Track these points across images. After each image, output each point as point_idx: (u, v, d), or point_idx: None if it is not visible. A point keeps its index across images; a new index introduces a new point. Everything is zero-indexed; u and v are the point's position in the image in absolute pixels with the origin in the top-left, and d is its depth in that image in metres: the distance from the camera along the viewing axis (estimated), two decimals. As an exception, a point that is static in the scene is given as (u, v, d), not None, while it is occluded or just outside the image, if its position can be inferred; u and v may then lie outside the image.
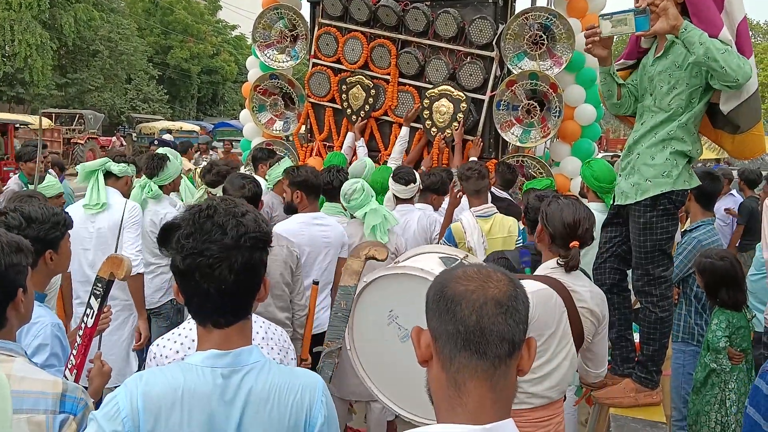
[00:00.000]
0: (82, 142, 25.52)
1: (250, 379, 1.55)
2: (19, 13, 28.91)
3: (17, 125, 19.81)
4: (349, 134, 6.66)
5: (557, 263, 2.63)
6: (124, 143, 28.75)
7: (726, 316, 3.65)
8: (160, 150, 4.76)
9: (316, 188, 4.09)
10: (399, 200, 4.76)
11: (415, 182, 4.69)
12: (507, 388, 1.23)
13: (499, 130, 6.12)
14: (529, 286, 2.47)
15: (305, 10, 7.19)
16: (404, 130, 6.40)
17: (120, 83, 37.06)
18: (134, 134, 32.33)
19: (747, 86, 2.78)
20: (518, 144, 6.15)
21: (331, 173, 4.50)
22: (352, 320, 2.80)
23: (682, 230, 4.38)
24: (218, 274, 1.52)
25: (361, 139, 6.55)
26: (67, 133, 25.64)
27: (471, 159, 5.81)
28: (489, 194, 4.77)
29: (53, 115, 27.33)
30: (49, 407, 1.74)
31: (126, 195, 4.35)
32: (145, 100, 38.76)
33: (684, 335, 4.02)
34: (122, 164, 4.31)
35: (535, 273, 2.78)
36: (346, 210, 4.40)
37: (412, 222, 4.66)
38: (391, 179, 4.76)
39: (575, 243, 2.60)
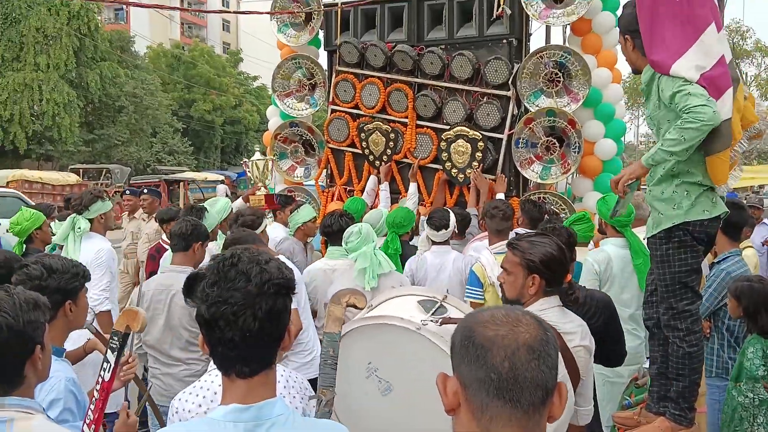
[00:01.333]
0: (110, 195, 25.98)
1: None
2: (46, 73, 29.80)
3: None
4: (372, 178, 6.71)
5: (556, 302, 2.63)
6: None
7: (762, 344, 3.55)
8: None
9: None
10: (434, 242, 4.80)
11: (448, 227, 4.71)
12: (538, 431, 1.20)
13: (519, 168, 6.13)
14: None
15: (323, 59, 7.33)
16: (412, 187, 6.45)
17: (145, 137, 37.80)
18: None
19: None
20: (539, 181, 6.15)
21: (333, 217, 4.59)
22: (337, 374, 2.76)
23: (710, 263, 4.30)
24: (242, 322, 1.53)
25: (386, 183, 6.58)
26: (95, 188, 26.13)
27: (498, 197, 5.81)
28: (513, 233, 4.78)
29: (81, 170, 27.91)
30: None
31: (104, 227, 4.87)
32: (171, 153, 39.44)
33: (718, 370, 3.92)
34: (93, 204, 4.70)
35: None
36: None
37: (447, 264, 4.69)
38: (425, 223, 4.82)
39: (568, 276, 2.61)
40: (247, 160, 7.04)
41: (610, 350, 3.27)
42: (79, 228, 4.61)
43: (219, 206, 5.12)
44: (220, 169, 43.14)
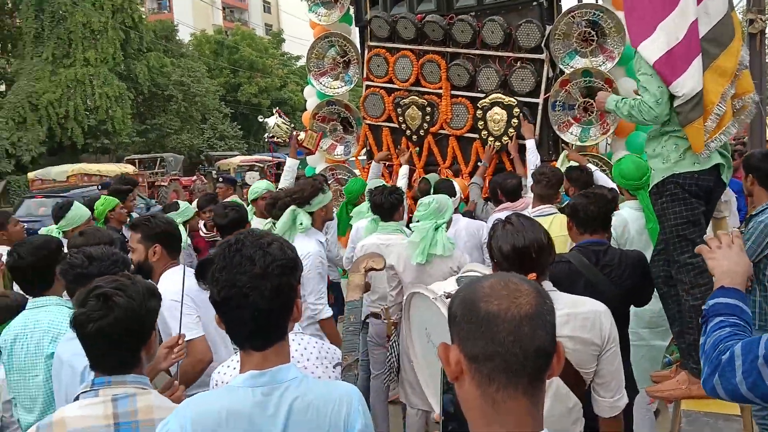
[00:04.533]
0: (166, 184, 26.64)
1: (289, 393, 1.67)
2: (96, 67, 30.58)
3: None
4: (374, 165, 6.85)
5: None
6: (205, 181, 29.82)
7: None
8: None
9: (179, 240, 3.55)
10: None
11: (455, 195, 4.75)
12: (541, 398, 1.24)
13: (557, 131, 6.05)
14: None
15: (354, 36, 7.34)
16: (404, 168, 6.51)
17: (196, 124, 38.53)
18: (214, 172, 33.49)
19: (677, 90, 2.94)
20: (579, 143, 6.05)
21: (383, 195, 4.64)
22: (410, 334, 2.82)
23: (747, 216, 4.20)
24: (251, 302, 1.66)
25: (406, 166, 6.58)
26: (150, 177, 26.82)
27: (528, 144, 5.91)
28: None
29: (136, 161, 28.70)
30: None
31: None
32: (221, 138, 40.13)
33: (761, 323, 3.84)
34: (315, 197, 4.40)
35: None
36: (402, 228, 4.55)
37: (460, 230, 4.83)
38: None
39: (532, 275, 2.34)
40: (267, 134, 7.23)
41: (641, 298, 3.37)
42: (301, 224, 4.27)
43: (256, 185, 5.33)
44: (270, 151, 43.70)
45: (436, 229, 4.21)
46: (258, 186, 5.87)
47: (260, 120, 7.61)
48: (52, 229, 5.40)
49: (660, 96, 2.94)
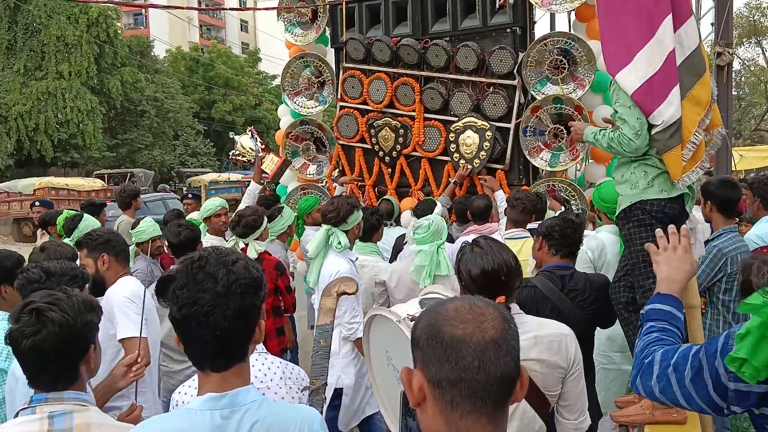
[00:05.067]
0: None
1: (249, 417, 1.61)
2: (69, 81, 30.27)
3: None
4: (337, 187, 6.98)
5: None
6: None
7: None
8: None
9: (124, 248, 3.50)
10: None
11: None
12: (505, 423, 1.22)
13: (527, 156, 6.12)
14: None
15: (330, 57, 7.37)
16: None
17: (168, 140, 38.24)
18: (185, 188, 33.25)
19: (656, 118, 2.96)
20: (548, 168, 6.14)
21: (365, 215, 4.64)
22: (369, 356, 2.79)
23: (705, 240, 4.30)
24: (212, 322, 1.60)
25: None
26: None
27: (497, 195, 5.88)
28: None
29: (105, 175, 28.37)
30: None
31: None
32: (194, 155, 39.86)
33: None
34: (351, 215, 4.33)
35: None
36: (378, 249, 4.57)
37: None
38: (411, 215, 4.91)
39: (501, 299, 2.32)
40: (232, 151, 7.20)
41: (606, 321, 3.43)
42: (339, 243, 4.19)
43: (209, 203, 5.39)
44: (243, 169, 43.55)
45: (437, 250, 4.25)
46: (212, 203, 5.67)
47: (230, 135, 7.61)
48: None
49: (639, 128, 2.95)
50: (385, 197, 6.43)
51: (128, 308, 3.11)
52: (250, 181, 6.61)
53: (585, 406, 2.50)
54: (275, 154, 7.16)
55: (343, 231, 4.24)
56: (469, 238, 4.31)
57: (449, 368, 1.16)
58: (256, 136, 7.21)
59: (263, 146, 7.08)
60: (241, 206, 5.64)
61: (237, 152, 6.90)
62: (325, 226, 4.25)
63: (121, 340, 3.10)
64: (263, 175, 6.82)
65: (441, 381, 1.18)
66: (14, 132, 29.03)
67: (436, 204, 5.65)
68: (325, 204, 4.70)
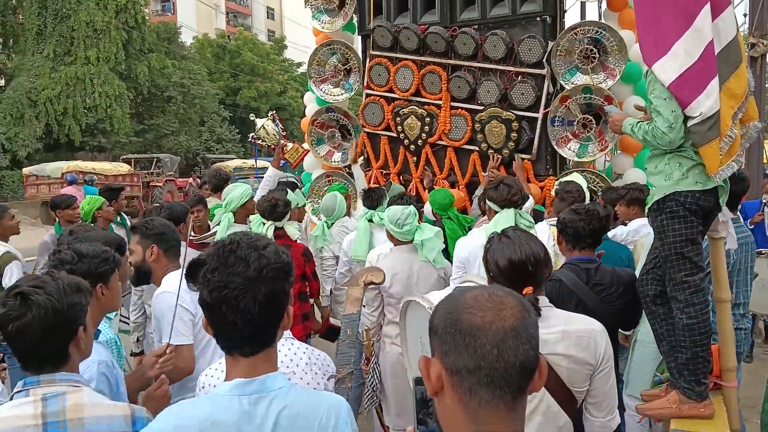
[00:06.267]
0: (161, 184, 26.59)
1: (277, 403, 1.61)
2: (97, 66, 30.51)
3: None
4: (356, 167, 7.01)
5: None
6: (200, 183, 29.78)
7: None
8: None
9: (176, 244, 3.47)
10: None
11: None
12: (523, 412, 1.22)
13: (555, 147, 6.05)
14: None
15: (357, 44, 7.34)
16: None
17: (194, 126, 38.47)
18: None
19: (694, 110, 2.87)
20: (576, 159, 6.07)
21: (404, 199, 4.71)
22: (405, 342, 2.78)
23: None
24: (243, 306, 1.60)
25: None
26: (146, 177, 26.74)
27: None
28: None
29: (132, 160, 28.64)
30: (123, 428, 1.91)
31: None
32: (219, 141, 40.09)
33: None
34: None
35: None
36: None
37: None
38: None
39: (528, 289, 2.28)
40: (252, 134, 7.13)
41: (631, 321, 3.42)
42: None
43: (237, 192, 5.28)
44: (267, 155, 43.73)
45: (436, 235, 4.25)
46: (239, 192, 5.42)
47: (251, 118, 7.56)
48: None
49: (674, 121, 2.89)
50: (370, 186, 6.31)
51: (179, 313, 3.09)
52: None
53: (615, 404, 2.45)
54: (299, 144, 7.15)
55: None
56: (485, 227, 4.29)
57: (468, 356, 1.16)
58: (277, 120, 7.14)
59: (284, 132, 7.02)
60: (259, 192, 5.62)
61: (257, 136, 6.81)
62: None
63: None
64: (289, 162, 6.83)
65: (460, 369, 1.17)
66: (43, 116, 29.35)
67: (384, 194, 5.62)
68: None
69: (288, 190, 5.73)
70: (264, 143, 6.94)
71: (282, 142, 6.80)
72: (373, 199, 5.24)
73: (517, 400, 1.18)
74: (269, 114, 7.14)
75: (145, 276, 3.36)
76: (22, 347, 1.92)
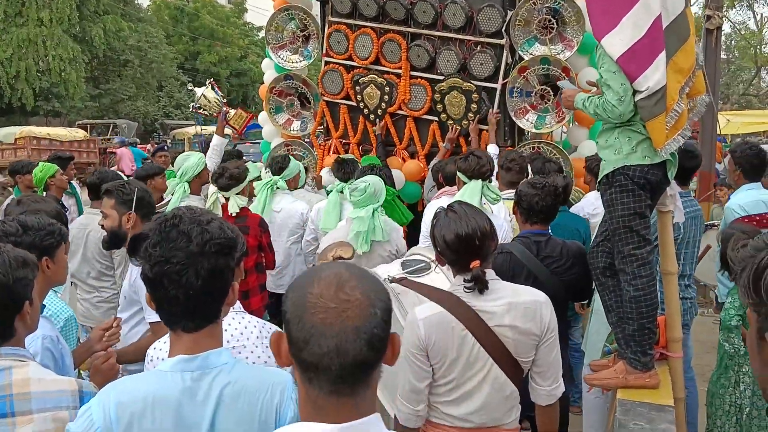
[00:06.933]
0: (117, 151, 26.00)
1: (220, 379, 1.61)
2: (50, 28, 29.54)
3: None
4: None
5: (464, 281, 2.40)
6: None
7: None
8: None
9: (152, 208, 3.40)
10: None
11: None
12: (370, 388, 1.25)
13: (513, 118, 6.07)
14: (424, 311, 2.40)
15: (315, 11, 7.22)
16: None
17: (152, 91, 37.62)
18: (168, 141, 32.83)
19: (641, 84, 2.90)
20: (534, 130, 6.10)
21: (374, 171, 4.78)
22: None
23: None
24: (185, 281, 1.59)
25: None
26: (102, 143, 26.12)
27: (489, 148, 5.76)
28: None
29: (88, 126, 27.93)
30: (70, 403, 1.87)
31: None
32: (177, 107, 39.30)
33: None
34: None
35: (443, 289, 2.59)
36: None
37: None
38: None
39: (475, 263, 2.34)
40: (193, 104, 7.01)
41: (581, 292, 3.49)
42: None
43: (191, 161, 5.18)
44: (206, 123, 43.05)
45: (373, 214, 4.17)
46: (193, 161, 5.26)
47: (189, 88, 7.46)
48: (276, 180, 5.42)
49: (623, 94, 2.91)
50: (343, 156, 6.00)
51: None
52: (233, 136, 6.54)
53: (559, 373, 2.51)
54: (243, 110, 7.05)
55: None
56: (442, 201, 4.30)
57: (308, 353, 1.19)
58: (216, 88, 7.01)
59: (224, 99, 6.92)
60: (209, 162, 5.52)
61: (198, 105, 6.66)
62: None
63: (151, 324, 3.06)
64: (234, 128, 6.75)
65: (301, 361, 1.21)
66: (-6, 80, 28.47)
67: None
68: None
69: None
70: (206, 112, 6.81)
71: (224, 109, 6.66)
72: (345, 171, 5.18)
73: (357, 388, 1.21)
74: (207, 82, 7.00)
75: (119, 241, 3.30)
76: None
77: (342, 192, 5.05)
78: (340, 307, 1.19)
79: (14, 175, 6.60)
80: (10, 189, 7.31)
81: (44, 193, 5.62)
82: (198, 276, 1.59)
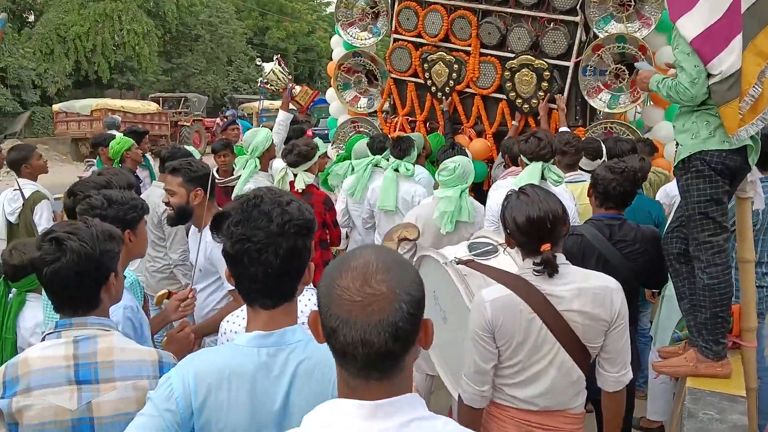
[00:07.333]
0: (188, 124, 26.62)
1: (295, 356, 1.65)
2: (125, 3, 30.32)
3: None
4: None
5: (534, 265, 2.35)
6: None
7: None
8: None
9: (213, 186, 3.45)
10: None
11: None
12: (402, 377, 1.25)
13: (586, 97, 5.93)
14: (492, 293, 2.37)
15: (386, -13, 7.18)
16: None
17: (222, 66, 38.25)
18: (238, 114, 33.36)
19: (715, 68, 2.79)
20: (606, 110, 5.95)
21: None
22: None
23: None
24: (264, 259, 1.63)
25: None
26: (173, 117, 26.79)
27: (562, 129, 5.65)
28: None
29: (160, 99, 28.67)
30: (151, 373, 1.96)
31: None
32: (246, 81, 39.88)
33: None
34: None
35: (511, 272, 2.54)
36: None
37: None
38: None
39: (546, 246, 2.30)
40: (261, 79, 7.07)
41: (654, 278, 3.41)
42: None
43: (260, 137, 5.25)
44: (272, 98, 43.48)
45: (461, 195, 4.14)
46: (262, 137, 5.28)
47: (257, 63, 7.49)
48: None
49: (696, 76, 2.82)
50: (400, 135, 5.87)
51: None
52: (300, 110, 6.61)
53: (627, 360, 2.46)
54: (308, 87, 7.11)
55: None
56: (507, 182, 4.23)
57: (335, 342, 1.21)
58: (282, 64, 7.06)
59: (290, 75, 6.98)
60: (275, 137, 5.57)
61: (265, 80, 6.74)
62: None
63: (230, 291, 3.14)
64: (299, 105, 6.81)
65: (332, 346, 1.24)
66: (72, 53, 29.38)
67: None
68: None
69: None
70: (272, 87, 6.88)
71: (290, 85, 6.72)
72: (401, 149, 5.16)
73: (387, 374, 1.22)
74: (275, 58, 7.05)
75: (185, 217, 3.39)
76: (56, 290, 1.98)
77: (397, 170, 5.04)
78: (365, 301, 1.19)
79: (96, 147, 6.96)
80: (93, 161, 7.63)
81: (120, 165, 5.81)
82: (277, 255, 1.63)
